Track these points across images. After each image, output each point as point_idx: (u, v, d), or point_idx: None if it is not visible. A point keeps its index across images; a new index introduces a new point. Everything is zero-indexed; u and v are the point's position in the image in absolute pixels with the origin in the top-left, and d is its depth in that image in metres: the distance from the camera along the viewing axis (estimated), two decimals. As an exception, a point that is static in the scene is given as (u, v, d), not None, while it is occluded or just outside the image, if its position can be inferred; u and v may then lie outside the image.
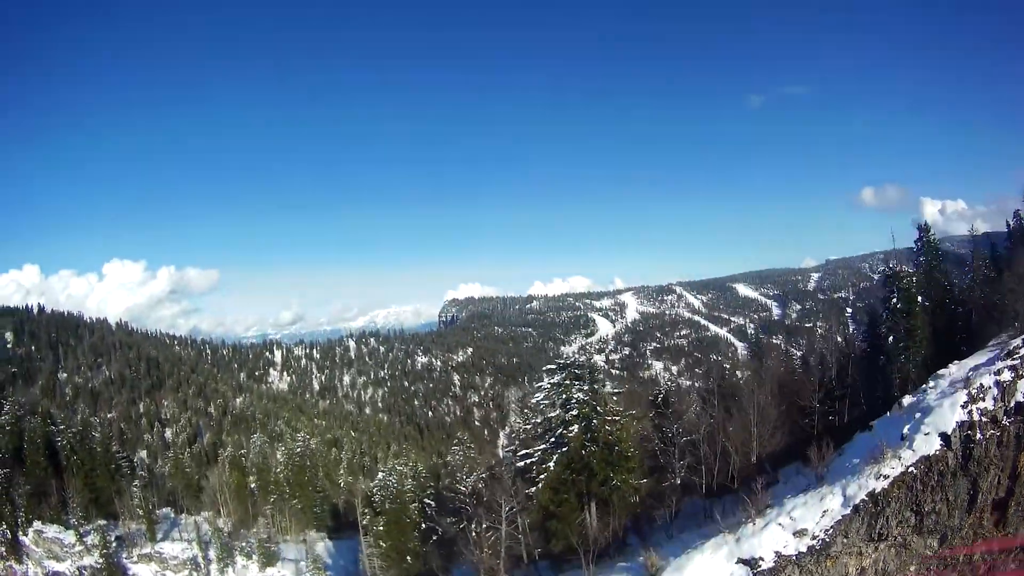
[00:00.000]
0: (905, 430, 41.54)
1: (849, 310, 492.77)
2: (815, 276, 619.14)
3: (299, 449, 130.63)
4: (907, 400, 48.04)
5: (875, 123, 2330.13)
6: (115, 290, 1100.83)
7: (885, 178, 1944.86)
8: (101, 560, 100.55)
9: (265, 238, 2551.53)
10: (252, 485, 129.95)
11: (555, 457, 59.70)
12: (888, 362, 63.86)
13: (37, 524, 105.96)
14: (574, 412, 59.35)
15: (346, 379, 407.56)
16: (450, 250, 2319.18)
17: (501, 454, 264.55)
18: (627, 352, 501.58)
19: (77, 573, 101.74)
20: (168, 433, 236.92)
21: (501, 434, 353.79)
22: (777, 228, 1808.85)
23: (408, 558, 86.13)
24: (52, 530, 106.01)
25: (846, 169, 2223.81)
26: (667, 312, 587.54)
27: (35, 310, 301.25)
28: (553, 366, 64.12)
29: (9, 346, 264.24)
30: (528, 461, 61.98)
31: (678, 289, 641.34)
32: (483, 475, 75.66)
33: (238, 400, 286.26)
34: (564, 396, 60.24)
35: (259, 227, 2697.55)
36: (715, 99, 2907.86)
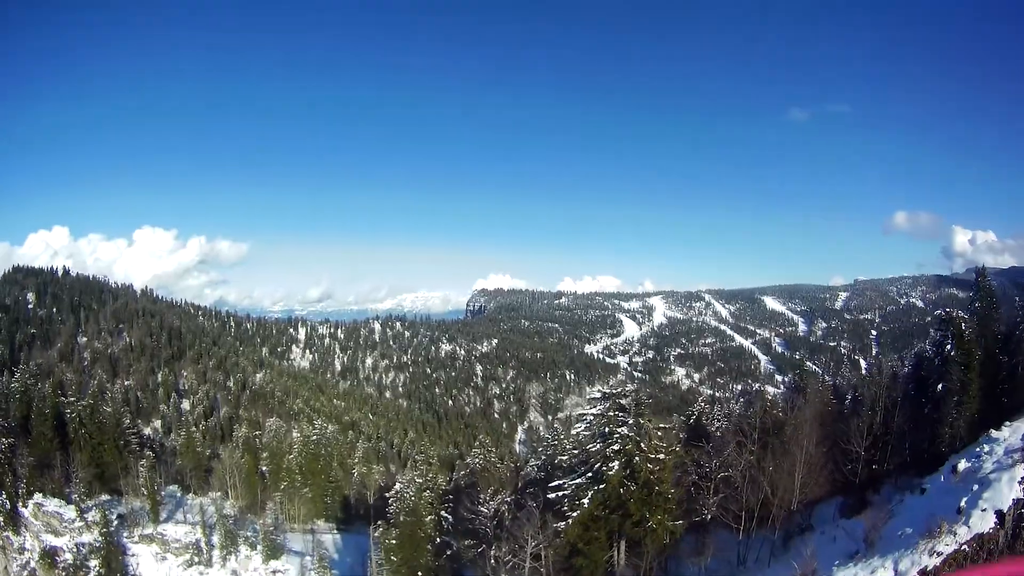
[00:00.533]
0: (962, 503, 37.66)
1: (874, 332, 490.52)
2: (843, 295, 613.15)
3: (315, 436, 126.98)
4: (963, 466, 44.58)
5: (913, 147, 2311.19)
6: (144, 257, 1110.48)
7: (919, 203, 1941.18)
8: (100, 538, 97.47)
9: (298, 213, 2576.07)
10: (264, 468, 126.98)
11: (590, 494, 54.65)
12: (935, 410, 60.24)
13: (38, 497, 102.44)
14: (615, 447, 54.13)
15: (369, 361, 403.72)
16: (484, 239, 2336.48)
17: (518, 449, 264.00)
18: (651, 356, 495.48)
19: (75, 549, 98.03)
20: (185, 405, 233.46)
21: (519, 429, 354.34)
22: (809, 243, 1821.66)
23: (419, 574, 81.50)
24: (53, 504, 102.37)
25: (881, 191, 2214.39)
26: (694, 319, 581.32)
27: (59, 272, 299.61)
28: (598, 394, 58.72)
29: (31, 307, 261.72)
30: (560, 494, 56.81)
31: (707, 297, 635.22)
32: (508, 500, 71.30)
33: (258, 376, 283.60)
34: (607, 429, 55.03)
35: (293, 202, 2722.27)
36: (758, 110, 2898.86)
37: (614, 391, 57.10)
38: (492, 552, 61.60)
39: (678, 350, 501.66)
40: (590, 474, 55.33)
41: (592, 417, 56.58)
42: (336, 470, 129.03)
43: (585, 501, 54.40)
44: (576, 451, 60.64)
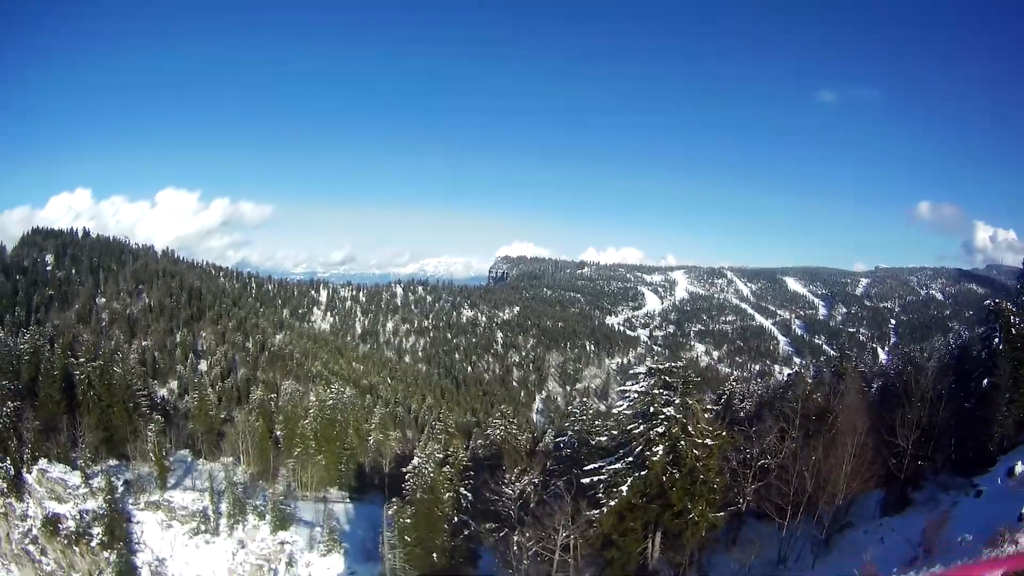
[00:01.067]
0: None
1: (893, 321, 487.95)
2: (864, 282, 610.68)
3: (331, 401, 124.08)
4: (1020, 468, 44.54)
5: (940, 138, 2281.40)
6: (167, 218, 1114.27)
7: (942, 195, 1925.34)
8: (104, 505, 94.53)
9: (322, 176, 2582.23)
10: (278, 433, 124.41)
11: (629, 480, 49.36)
12: (981, 407, 56.89)
13: (43, 462, 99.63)
14: (660, 430, 48.76)
15: (389, 325, 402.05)
16: (508, 206, 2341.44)
17: (535, 418, 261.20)
18: (671, 330, 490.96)
19: (78, 516, 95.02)
20: (203, 366, 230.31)
21: (537, 398, 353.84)
22: (832, 228, 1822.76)
23: (434, 555, 77.40)
24: (57, 469, 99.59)
25: (906, 180, 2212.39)
26: (716, 296, 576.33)
27: (80, 234, 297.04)
28: (643, 369, 52.96)
29: (49, 268, 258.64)
30: (595, 479, 51.52)
31: (729, 274, 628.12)
32: (535, 480, 66.71)
33: (278, 337, 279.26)
34: (651, 408, 49.58)
35: (317, 164, 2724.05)
36: (787, 90, 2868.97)
37: (660, 366, 51.19)
38: (515, 537, 57.13)
39: (698, 326, 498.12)
40: (630, 458, 49.80)
41: (636, 394, 50.86)
42: (352, 436, 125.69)
43: (624, 488, 48.99)
44: (616, 431, 55.50)
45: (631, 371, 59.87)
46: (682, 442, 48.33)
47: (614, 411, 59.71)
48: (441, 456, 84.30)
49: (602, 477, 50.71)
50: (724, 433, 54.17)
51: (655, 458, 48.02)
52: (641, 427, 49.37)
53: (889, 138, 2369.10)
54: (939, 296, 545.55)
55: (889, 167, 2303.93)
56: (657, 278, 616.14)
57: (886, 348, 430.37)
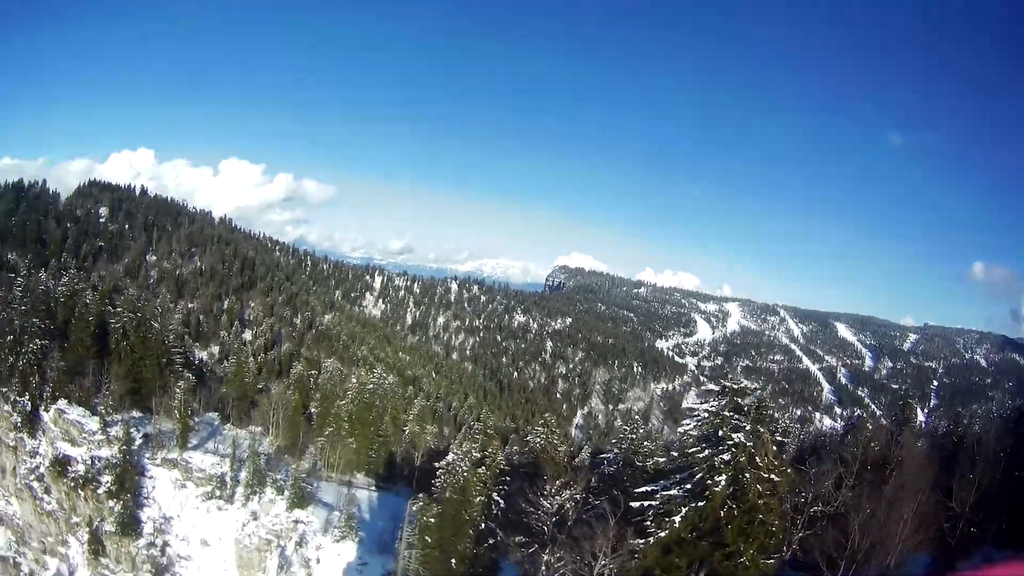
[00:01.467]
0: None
1: (935, 383, 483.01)
2: (912, 337, 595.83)
3: (371, 385, 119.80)
4: None
5: (1000, 196, 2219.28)
6: (228, 187, 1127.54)
7: (997, 255, 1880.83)
8: (119, 455, 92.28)
9: (389, 161, 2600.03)
10: (312, 410, 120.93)
11: (684, 511, 43.07)
12: None
13: (62, 403, 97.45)
14: (726, 457, 42.35)
15: (440, 320, 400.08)
16: (572, 214, 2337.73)
17: (574, 433, 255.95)
18: (719, 362, 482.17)
19: (89, 462, 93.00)
20: (247, 335, 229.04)
21: (579, 413, 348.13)
22: (887, 276, 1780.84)
23: (453, 560, 72.19)
24: (76, 412, 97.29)
25: (964, 235, 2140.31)
26: (766, 332, 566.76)
27: (137, 191, 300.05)
28: (715, 387, 46.65)
29: (102, 220, 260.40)
30: (645, 504, 45.26)
31: (782, 312, 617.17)
32: (576, 496, 61.07)
33: (327, 316, 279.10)
34: (720, 432, 43.17)
35: (385, 149, 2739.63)
36: (858, 129, 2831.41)
37: (736, 385, 44.72)
38: (546, 556, 51.72)
39: (746, 361, 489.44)
40: (688, 485, 43.44)
41: (705, 414, 44.44)
42: (388, 424, 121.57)
43: (677, 519, 42.82)
44: (675, 454, 49.41)
45: (702, 388, 54.05)
46: (747, 474, 41.92)
47: (679, 431, 54.05)
48: (478, 456, 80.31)
49: (653, 503, 44.51)
50: (789, 471, 48.24)
51: (716, 488, 41.73)
52: (706, 451, 43.00)
53: (950, 189, 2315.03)
54: (983, 362, 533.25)
55: (948, 220, 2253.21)
56: (711, 307, 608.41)
57: (926, 409, 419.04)
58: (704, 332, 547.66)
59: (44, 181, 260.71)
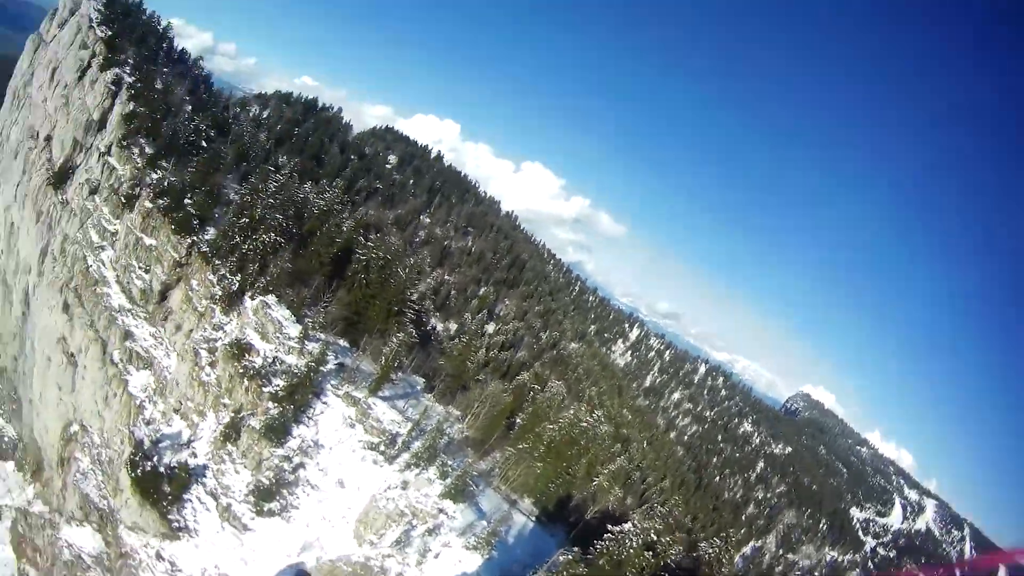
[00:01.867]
0: None
1: None
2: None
3: (585, 424, 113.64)
4: None
5: None
6: (523, 187, 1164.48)
7: None
8: (304, 368, 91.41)
9: (688, 223, 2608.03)
10: (518, 420, 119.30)
11: None
12: None
13: (271, 298, 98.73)
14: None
15: (675, 396, 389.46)
16: (837, 351, 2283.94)
17: (738, 560, 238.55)
18: (892, 555, 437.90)
19: (271, 360, 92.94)
20: (489, 328, 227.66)
21: (751, 544, 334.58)
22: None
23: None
24: (281, 312, 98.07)
25: None
26: (944, 544, 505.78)
27: (433, 154, 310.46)
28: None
29: (389, 166, 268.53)
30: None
31: (966, 528, 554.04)
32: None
33: (572, 344, 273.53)
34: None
35: (690, 208, 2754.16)
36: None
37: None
38: None
39: (913, 566, 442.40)
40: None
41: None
42: (582, 467, 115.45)
43: None
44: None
45: None
46: None
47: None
48: (652, 539, 75.54)
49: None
50: None
51: None
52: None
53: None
54: None
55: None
56: (913, 495, 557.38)
57: None
58: (895, 518, 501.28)
59: (340, 108, 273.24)
